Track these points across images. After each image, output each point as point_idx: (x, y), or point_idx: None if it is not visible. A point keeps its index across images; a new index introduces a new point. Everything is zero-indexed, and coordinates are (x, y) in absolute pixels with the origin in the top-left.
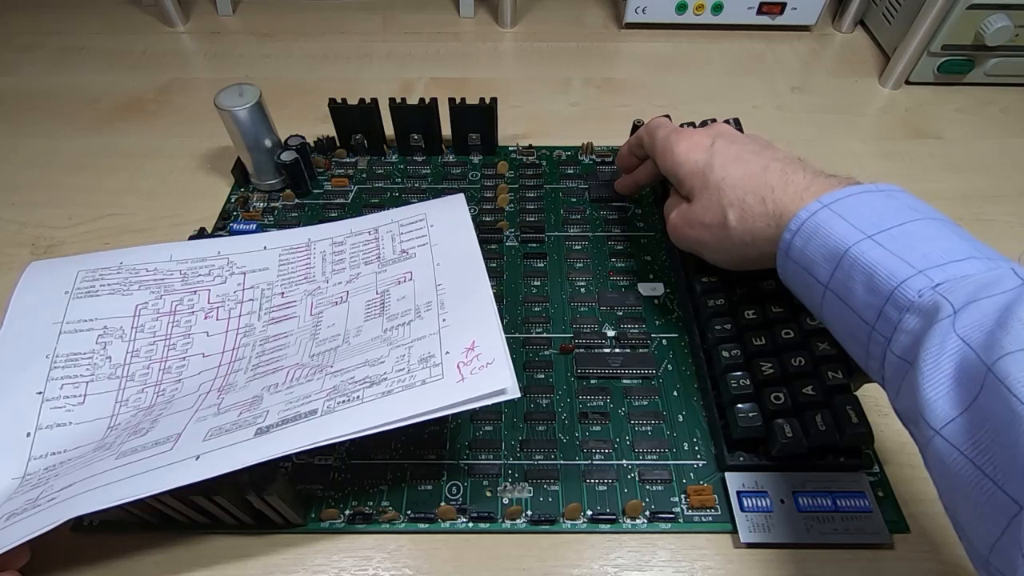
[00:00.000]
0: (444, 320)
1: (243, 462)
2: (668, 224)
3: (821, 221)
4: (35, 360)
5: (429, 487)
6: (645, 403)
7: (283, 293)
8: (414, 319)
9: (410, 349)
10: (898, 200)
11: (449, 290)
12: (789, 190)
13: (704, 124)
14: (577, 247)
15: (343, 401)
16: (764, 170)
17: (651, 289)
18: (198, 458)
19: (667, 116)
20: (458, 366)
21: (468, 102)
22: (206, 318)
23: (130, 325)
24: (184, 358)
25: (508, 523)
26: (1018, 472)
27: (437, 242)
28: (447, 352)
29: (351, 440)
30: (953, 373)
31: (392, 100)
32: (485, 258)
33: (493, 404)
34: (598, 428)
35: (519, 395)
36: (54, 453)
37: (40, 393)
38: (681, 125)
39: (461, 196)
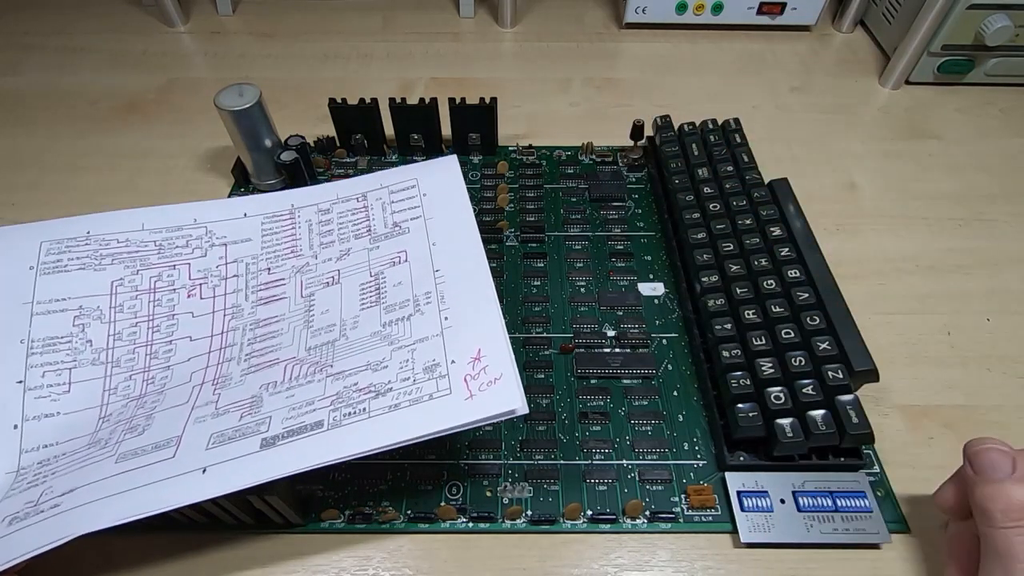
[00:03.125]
0: (446, 318)
1: (252, 480)
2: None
3: None
4: (9, 346)
5: (429, 487)
6: (645, 403)
7: (269, 269)
8: (414, 313)
9: (413, 353)
10: None
11: (448, 279)
12: None
13: None
14: (577, 247)
15: (349, 414)
16: None
17: (651, 289)
18: (204, 471)
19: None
20: (465, 380)
21: (468, 102)
22: (189, 296)
23: (107, 304)
24: (171, 341)
25: (508, 523)
26: None
27: (431, 215)
28: (452, 361)
29: None
30: None
31: (392, 100)
32: (487, 258)
33: None
34: (598, 428)
35: (527, 411)
36: (46, 446)
37: (21, 382)
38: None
39: (454, 158)
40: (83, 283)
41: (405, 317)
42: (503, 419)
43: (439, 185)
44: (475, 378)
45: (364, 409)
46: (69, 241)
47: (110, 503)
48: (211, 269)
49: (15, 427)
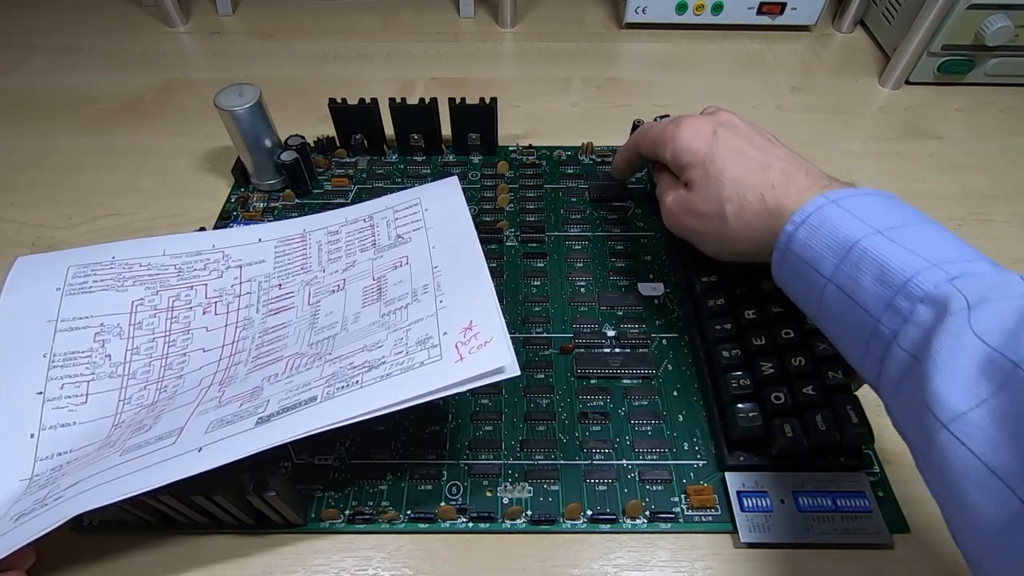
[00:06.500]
0: (441, 302)
1: (245, 451)
2: (664, 208)
3: (828, 215)
4: (32, 359)
5: (429, 487)
6: (645, 403)
7: (280, 285)
8: (411, 302)
9: (408, 332)
10: (900, 205)
11: (446, 272)
12: (791, 189)
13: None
14: (577, 247)
15: (343, 387)
16: (766, 168)
17: (651, 289)
18: (200, 450)
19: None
20: (456, 346)
21: (468, 102)
22: (204, 313)
23: (127, 322)
24: (185, 354)
25: (508, 523)
26: None
27: (432, 225)
28: (445, 333)
29: (351, 439)
30: (970, 369)
31: (392, 100)
32: (485, 258)
33: (493, 404)
34: (598, 428)
35: (518, 372)
36: (60, 453)
37: (40, 393)
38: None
39: (454, 178)
40: (105, 303)
41: (403, 307)
42: (493, 379)
43: (440, 200)
44: (466, 343)
45: (357, 381)
46: (95, 265)
47: (107, 486)
48: (226, 288)
49: (32, 436)
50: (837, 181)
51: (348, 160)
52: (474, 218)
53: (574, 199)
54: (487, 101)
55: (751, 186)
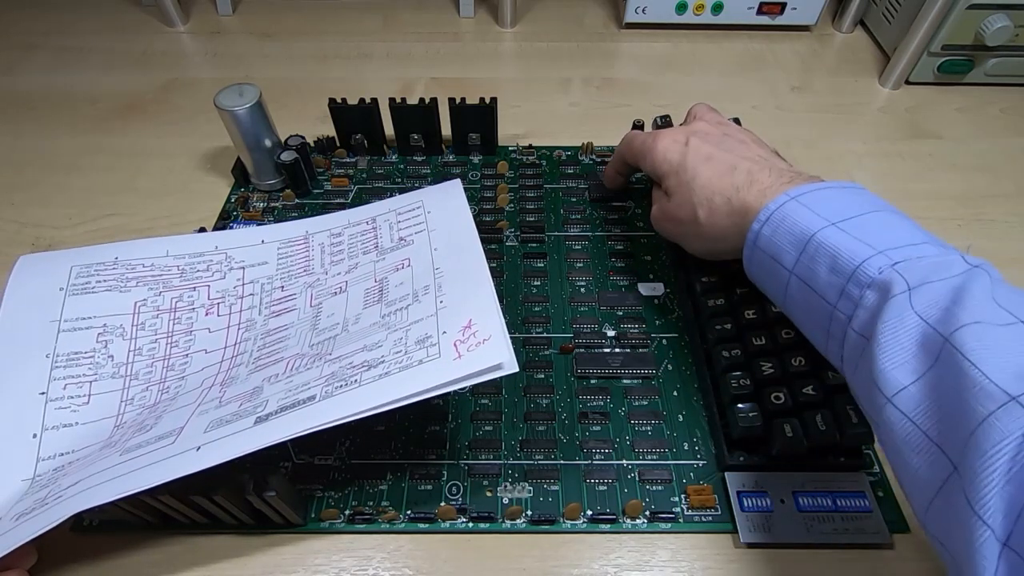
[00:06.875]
0: (442, 302)
1: (242, 450)
2: (651, 215)
3: (789, 211)
4: (35, 360)
5: (429, 487)
6: (645, 403)
7: (283, 287)
8: (412, 303)
9: (407, 332)
10: (860, 196)
11: (447, 273)
12: (753, 190)
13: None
14: (577, 247)
15: (341, 386)
16: (732, 171)
17: (651, 289)
18: (198, 449)
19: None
20: (455, 344)
21: (468, 102)
22: (207, 314)
23: (130, 323)
24: (187, 355)
25: (508, 523)
26: (958, 434)
27: (435, 228)
28: (444, 332)
29: (351, 439)
30: (911, 347)
31: (392, 100)
32: (486, 258)
33: (493, 404)
34: (598, 428)
35: (516, 369)
36: (62, 454)
37: (43, 394)
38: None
39: (457, 181)
40: (108, 303)
41: (404, 308)
42: (492, 375)
43: (443, 203)
44: (464, 342)
45: (355, 380)
46: (98, 265)
47: (106, 484)
48: (229, 290)
49: (34, 436)
50: (801, 176)
51: (348, 160)
52: (474, 218)
53: (574, 199)
54: (487, 101)
55: (718, 190)
